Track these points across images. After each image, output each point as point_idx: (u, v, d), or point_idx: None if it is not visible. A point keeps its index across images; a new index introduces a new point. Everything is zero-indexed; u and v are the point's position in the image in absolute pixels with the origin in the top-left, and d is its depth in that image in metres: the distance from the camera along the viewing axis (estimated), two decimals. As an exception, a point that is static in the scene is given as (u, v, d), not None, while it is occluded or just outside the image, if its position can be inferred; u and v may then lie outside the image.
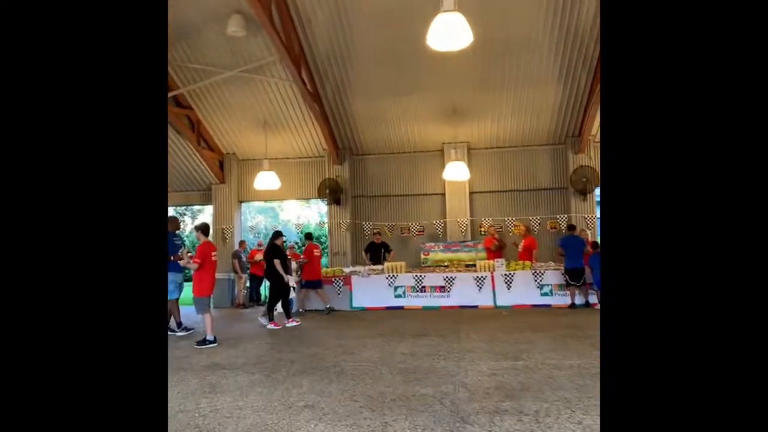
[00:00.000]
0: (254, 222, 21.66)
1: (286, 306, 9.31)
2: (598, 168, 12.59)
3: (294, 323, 8.94)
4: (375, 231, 12.76)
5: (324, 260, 13.46)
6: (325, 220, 13.76)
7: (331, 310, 10.54)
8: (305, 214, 19.90)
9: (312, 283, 10.82)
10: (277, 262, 9.04)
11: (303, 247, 11.70)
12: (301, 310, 10.86)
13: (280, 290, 9.15)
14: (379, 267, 11.38)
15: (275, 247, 9.27)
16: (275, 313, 9.14)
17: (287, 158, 13.72)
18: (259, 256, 12.65)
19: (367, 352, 6.40)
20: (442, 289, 10.89)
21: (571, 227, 10.98)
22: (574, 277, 10.20)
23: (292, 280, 9.77)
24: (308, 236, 11.37)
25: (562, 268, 10.54)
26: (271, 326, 8.79)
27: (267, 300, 9.50)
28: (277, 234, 9.54)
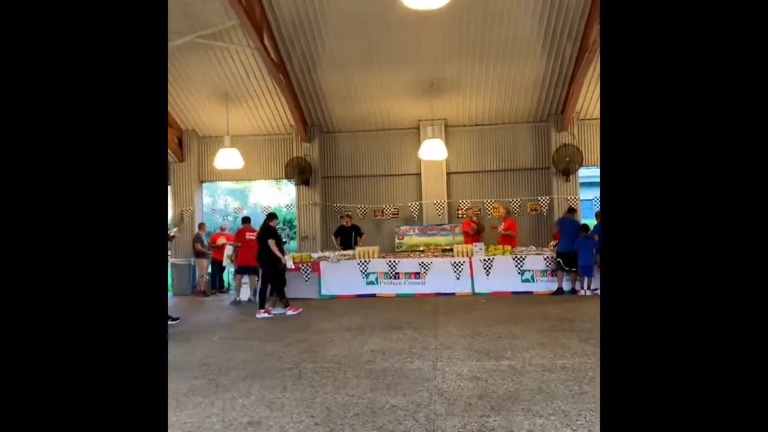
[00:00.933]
0: (220, 204, 20.62)
1: (282, 292, 8.55)
2: (582, 147, 11.96)
3: (293, 311, 8.29)
4: (345, 213, 11.95)
5: (292, 245, 12.64)
6: (293, 202, 12.88)
7: (249, 301, 9.94)
8: (276, 196, 18.89)
9: (244, 268, 10.03)
10: (271, 242, 8.43)
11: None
12: (237, 299, 10.11)
13: (274, 274, 8.49)
14: (350, 252, 10.60)
15: (269, 228, 8.65)
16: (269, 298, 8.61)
17: (252, 135, 12.76)
18: (222, 240, 11.80)
19: (333, 349, 5.64)
20: (417, 275, 10.17)
21: (571, 210, 10.35)
22: (567, 262, 9.57)
23: (290, 262, 9.09)
24: (245, 220, 10.49)
25: (554, 250, 9.91)
26: (262, 314, 8.12)
27: (263, 288, 8.70)
28: (272, 216, 8.88)
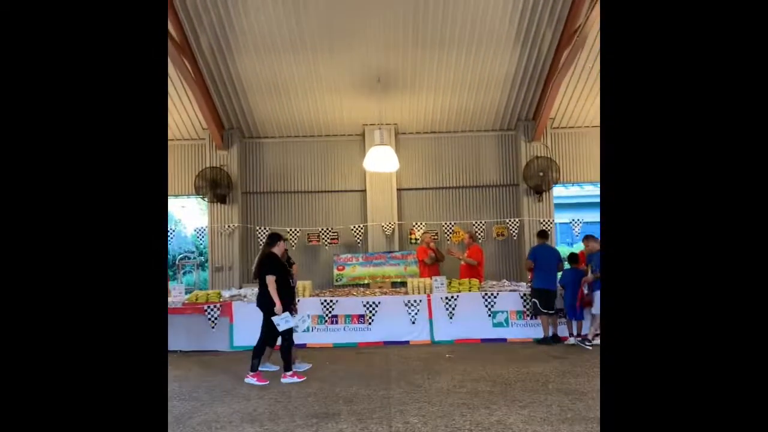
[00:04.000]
0: None
1: (288, 352, 5.70)
2: (558, 159, 10.06)
3: (291, 379, 5.52)
4: (272, 238, 9.50)
5: (204, 276, 10.06)
6: (205, 224, 10.30)
7: None
8: (187, 216, 15.95)
9: None
10: (270, 279, 5.61)
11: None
12: None
13: (270, 324, 5.70)
14: (274, 288, 8.14)
15: (270, 258, 5.75)
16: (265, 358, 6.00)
17: (154, 140, 10.22)
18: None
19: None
20: (361, 318, 7.83)
21: (543, 233, 8.12)
22: (545, 302, 7.45)
23: (286, 321, 5.69)
24: None
25: (528, 287, 7.82)
26: (252, 380, 5.47)
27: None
28: (275, 237, 5.93)
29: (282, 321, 5.66)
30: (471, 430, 3.80)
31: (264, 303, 5.77)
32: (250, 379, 5.51)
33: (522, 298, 7.82)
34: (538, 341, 7.50)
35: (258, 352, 5.72)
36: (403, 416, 4.21)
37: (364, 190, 10.25)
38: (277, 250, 5.84)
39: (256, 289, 8.19)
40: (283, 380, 5.50)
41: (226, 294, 8.05)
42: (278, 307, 5.62)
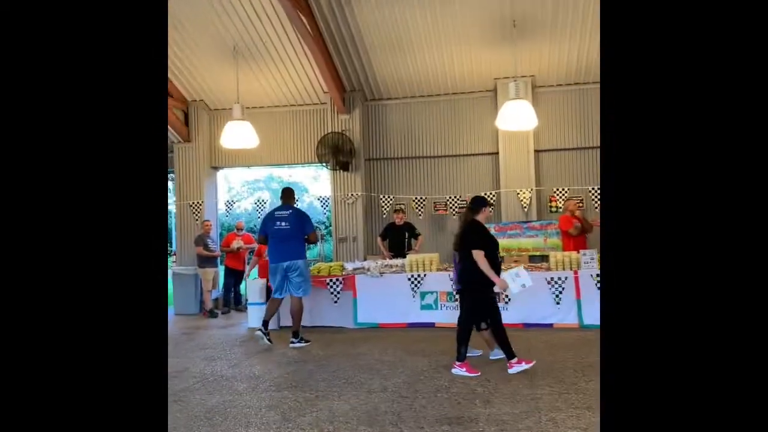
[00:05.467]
0: (244, 197, 17.88)
1: (502, 333, 4.78)
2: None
3: (520, 366, 4.63)
4: (397, 207, 8.84)
5: (327, 248, 9.70)
6: (328, 193, 9.90)
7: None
8: (316, 186, 15.74)
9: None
10: (478, 254, 4.68)
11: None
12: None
13: (486, 305, 4.86)
14: (399, 262, 7.50)
15: (475, 227, 4.87)
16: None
17: (273, 107, 9.92)
18: (238, 243, 9.05)
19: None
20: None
21: None
22: None
23: (517, 280, 4.94)
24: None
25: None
26: (461, 371, 4.65)
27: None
28: (480, 202, 5.01)
29: (515, 285, 4.85)
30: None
31: (470, 281, 4.82)
32: (459, 370, 4.65)
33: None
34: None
35: (463, 338, 4.80)
36: (557, 427, 3.30)
37: (497, 153, 9.18)
38: (482, 217, 4.90)
39: (380, 261, 7.64)
40: (510, 370, 4.60)
41: (349, 267, 7.54)
42: (499, 280, 4.72)
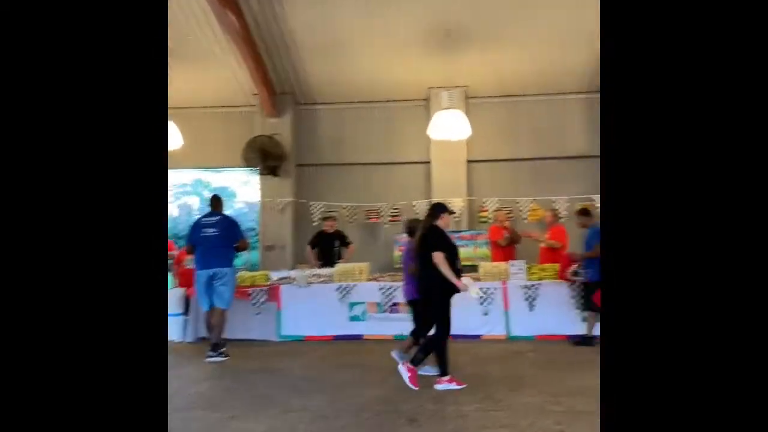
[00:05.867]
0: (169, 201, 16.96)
1: (443, 350, 4.58)
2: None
3: (449, 385, 4.43)
4: (327, 215, 8.59)
5: (254, 256, 9.30)
6: (256, 198, 9.50)
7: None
8: (246, 191, 15.10)
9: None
10: (438, 255, 4.47)
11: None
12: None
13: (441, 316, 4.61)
14: (327, 271, 7.24)
15: (435, 232, 4.66)
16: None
17: (201, 107, 9.45)
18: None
19: None
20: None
21: (584, 212, 6.75)
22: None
23: (476, 288, 4.90)
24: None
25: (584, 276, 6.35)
26: (450, 386, 4.40)
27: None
28: (439, 208, 4.81)
29: (474, 288, 4.75)
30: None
31: (430, 286, 4.62)
32: (445, 386, 4.39)
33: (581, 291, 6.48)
34: (577, 342, 6.20)
35: (441, 351, 4.51)
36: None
37: (429, 162, 9.14)
38: (442, 223, 4.71)
39: (307, 271, 7.34)
40: (438, 386, 4.40)
41: (274, 276, 7.21)
42: (460, 283, 4.52)
